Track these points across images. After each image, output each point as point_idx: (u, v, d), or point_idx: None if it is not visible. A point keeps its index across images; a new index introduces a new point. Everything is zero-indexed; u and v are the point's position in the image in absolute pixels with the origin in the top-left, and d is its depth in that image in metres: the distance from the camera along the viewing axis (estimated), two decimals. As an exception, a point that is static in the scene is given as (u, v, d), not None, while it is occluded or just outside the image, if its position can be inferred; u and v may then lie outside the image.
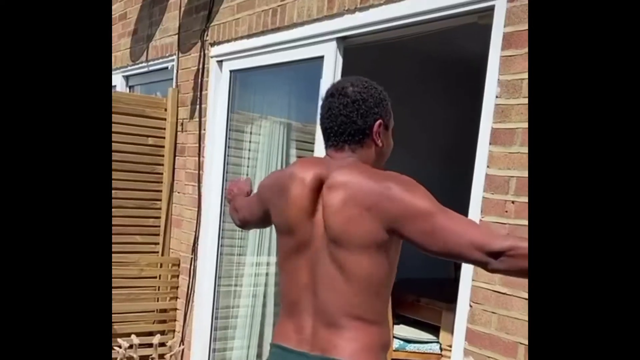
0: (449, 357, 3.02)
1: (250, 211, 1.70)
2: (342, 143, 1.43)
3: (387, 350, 1.43)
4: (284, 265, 1.50)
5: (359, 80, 1.45)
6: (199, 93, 3.30)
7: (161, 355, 2.98)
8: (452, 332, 3.04)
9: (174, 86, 3.53)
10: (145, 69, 3.95)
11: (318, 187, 1.42)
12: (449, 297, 3.30)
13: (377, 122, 1.43)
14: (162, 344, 3.03)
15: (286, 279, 1.49)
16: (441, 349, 3.07)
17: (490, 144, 1.87)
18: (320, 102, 1.50)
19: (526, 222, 1.71)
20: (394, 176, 1.37)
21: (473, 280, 1.89)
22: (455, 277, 4.30)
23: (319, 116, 1.49)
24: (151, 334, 3.24)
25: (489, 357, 1.83)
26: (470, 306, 1.90)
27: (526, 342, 1.71)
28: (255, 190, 1.77)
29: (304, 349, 1.41)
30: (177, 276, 3.43)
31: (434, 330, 3.14)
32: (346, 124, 1.41)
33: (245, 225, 1.82)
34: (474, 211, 1.90)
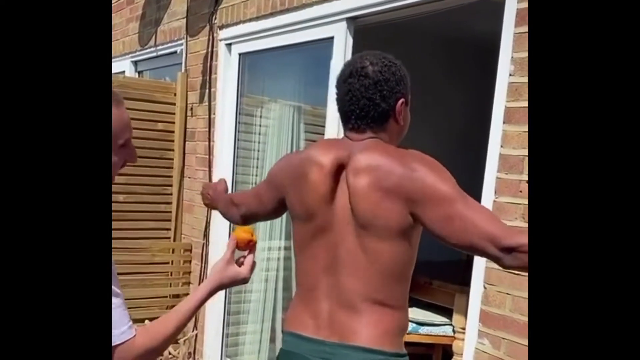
0: (462, 340, 3.01)
1: (258, 202, 1.62)
2: (365, 126, 1.39)
3: (404, 334, 1.42)
4: (301, 251, 1.47)
5: (377, 58, 1.39)
6: (208, 77, 3.28)
7: (175, 341, 3.00)
8: (465, 315, 3.02)
9: (182, 70, 3.51)
10: (154, 54, 3.93)
11: (338, 171, 1.38)
12: (462, 279, 3.28)
13: (400, 102, 1.39)
14: (175, 329, 3.05)
15: (304, 264, 1.47)
16: (454, 332, 3.05)
17: (504, 123, 1.84)
18: (336, 82, 1.45)
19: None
20: (419, 156, 1.34)
21: (487, 261, 1.87)
22: (467, 259, 4.29)
23: (336, 97, 1.44)
24: (165, 319, 3.25)
25: (503, 338, 1.82)
26: (484, 287, 1.88)
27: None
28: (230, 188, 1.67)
29: (321, 335, 1.38)
30: (190, 261, 3.44)
31: (447, 312, 3.13)
32: (369, 107, 1.37)
33: (249, 220, 1.71)
34: (488, 192, 1.87)
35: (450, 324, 3.10)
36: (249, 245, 1.30)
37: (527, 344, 1.74)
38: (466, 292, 3.05)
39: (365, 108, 1.37)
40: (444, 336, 3.12)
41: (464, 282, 3.18)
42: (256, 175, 3.29)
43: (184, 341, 2.96)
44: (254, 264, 1.29)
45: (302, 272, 1.48)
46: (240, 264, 1.28)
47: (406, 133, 1.50)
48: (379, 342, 1.33)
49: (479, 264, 1.91)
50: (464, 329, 3.02)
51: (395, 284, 1.37)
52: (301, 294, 1.48)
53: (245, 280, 1.27)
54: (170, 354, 2.90)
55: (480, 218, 1.25)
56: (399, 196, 1.29)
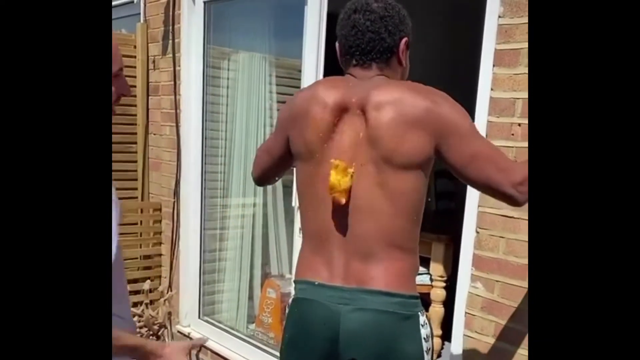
0: (440, 288, 3.06)
1: (269, 155, 1.54)
2: (370, 61, 1.37)
3: (416, 275, 1.43)
4: (305, 193, 1.42)
5: None
6: (171, 27, 3.09)
7: (152, 302, 2.91)
8: (442, 263, 3.06)
9: (142, 21, 3.31)
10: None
11: (341, 109, 1.35)
12: (434, 228, 3.31)
13: (404, 40, 1.38)
14: (151, 290, 2.96)
15: (310, 209, 1.41)
16: (431, 280, 3.09)
17: (494, 65, 1.81)
18: (339, 21, 1.42)
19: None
20: (439, 92, 1.34)
21: (479, 206, 1.86)
22: (435, 208, 4.34)
23: (340, 35, 1.41)
24: (136, 281, 3.16)
25: (497, 281, 1.83)
26: (477, 232, 1.88)
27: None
28: None
29: (337, 283, 1.35)
30: (160, 221, 3.33)
31: (424, 262, 3.14)
32: (375, 41, 1.35)
33: (264, 177, 1.63)
34: (479, 136, 1.85)
35: (428, 273, 3.12)
36: None
37: (521, 285, 1.76)
38: (443, 240, 3.09)
39: (371, 42, 1.35)
40: (422, 285, 3.14)
41: (438, 231, 3.21)
42: (225, 131, 3.17)
43: (164, 301, 2.88)
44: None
45: (308, 218, 1.43)
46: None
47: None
48: (396, 286, 1.33)
49: (471, 209, 1.90)
50: (441, 277, 3.06)
51: (411, 225, 1.36)
52: (310, 243, 1.43)
53: None
54: (151, 315, 2.81)
55: (498, 156, 1.31)
56: (424, 129, 1.29)
